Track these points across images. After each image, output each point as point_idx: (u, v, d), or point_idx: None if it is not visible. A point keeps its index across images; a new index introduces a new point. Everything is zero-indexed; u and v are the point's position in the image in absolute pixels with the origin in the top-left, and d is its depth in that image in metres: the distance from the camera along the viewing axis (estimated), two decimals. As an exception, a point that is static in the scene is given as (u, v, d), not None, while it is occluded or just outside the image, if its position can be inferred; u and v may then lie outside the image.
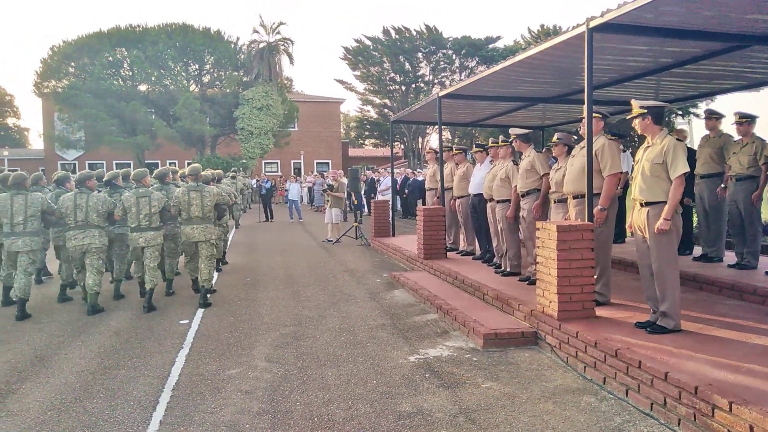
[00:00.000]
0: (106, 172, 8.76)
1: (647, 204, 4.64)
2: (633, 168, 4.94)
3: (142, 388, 4.47)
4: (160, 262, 7.66)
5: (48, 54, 34.47)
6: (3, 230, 7.04)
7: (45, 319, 6.71)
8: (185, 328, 6.18)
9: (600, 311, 5.23)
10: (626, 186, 7.24)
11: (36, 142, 65.57)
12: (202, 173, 8.09)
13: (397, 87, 42.51)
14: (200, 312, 6.88)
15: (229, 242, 12.01)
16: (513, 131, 7.09)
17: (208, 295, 7.39)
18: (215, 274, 8.98)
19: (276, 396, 4.25)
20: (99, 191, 7.47)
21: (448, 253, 9.30)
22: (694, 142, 12.94)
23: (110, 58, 34.55)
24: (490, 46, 40.52)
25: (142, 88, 35.83)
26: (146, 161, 35.83)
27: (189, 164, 9.64)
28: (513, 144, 7.13)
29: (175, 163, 39.59)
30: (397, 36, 40.92)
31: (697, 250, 7.63)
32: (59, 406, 4.15)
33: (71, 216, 7.01)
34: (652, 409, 3.76)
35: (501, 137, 7.54)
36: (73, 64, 34.62)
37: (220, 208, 7.76)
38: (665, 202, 4.53)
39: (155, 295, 7.29)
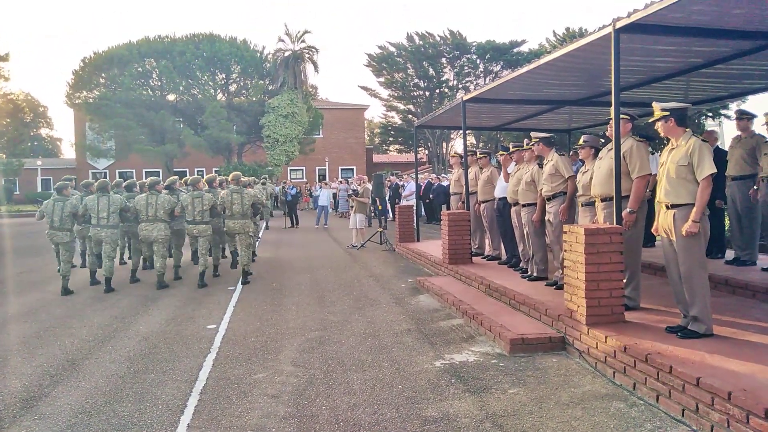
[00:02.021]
0: (138, 180, 10.81)
1: (673, 206, 4.55)
2: (658, 171, 4.85)
3: (171, 392, 4.52)
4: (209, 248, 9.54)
5: (79, 66, 35.36)
6: (91, 223, 8.90)
7: (76, 324, 6.85)
8: (213, 333, 6.25)
9: (629, 316, 5.13)
10: (655, 188, 7.11)
11: (68, 151, 67.18)
12: (243, 179, 9.94)
13: (421, 92, 42.55)
14: (228, 315, 6.96)
15: (259, 240, 13.45)
16: (534, 135, 7.03)
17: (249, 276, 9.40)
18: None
19: (302, 400, 4.26)
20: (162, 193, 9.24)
21: (473, 257, 9.24)
22: (725, 143, 12.66)
23: (139, 69, 35.30)
24: (515, 50, 40.33)
25: (171, 97, 36.51)
26: (175, 169, 36.45)
27: (216, 171, 11.83)
28: (535, 148, 7.04)
29: (202, 171, 40.19)
30: (420, 42, 40.99)
31: (730, 254, 7.45)
32: (90, 409, 4.22)
33: (143, 212, 8.93)
34: (683, 416, 3.67)
35: (525, 140, 7.47)
36: (103, 75, 35.44)
37: (255, 207, 9.55)
38: (691, 204, 4.44)
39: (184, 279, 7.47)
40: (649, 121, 4.81)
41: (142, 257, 10.43)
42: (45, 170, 47.33)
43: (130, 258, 10.46)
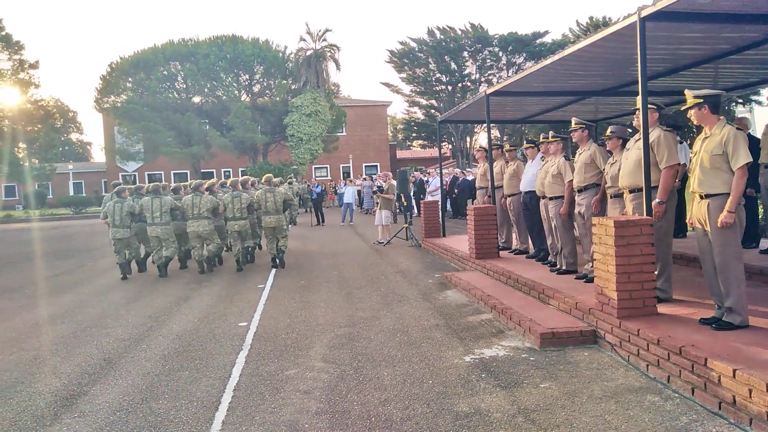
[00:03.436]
0: (168, 182, 12.76)
1: (707, 196, 4.46)
2: (691, 160, 4.76)
3: (205, 388, 4.61)
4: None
5: (106, 71, 36.06)
6: (147, 221, 10.26)
7: (111, 323, 7.01)
8: (244, 330, 6.34)
9: (662, 308, 5.06)
10: (684, 178, 6.99)
11: (98, 155, 68.51)
12: (273, 180, 11.52)
13: (444, 87, 42.39)
14: (258, 313, 7.05)
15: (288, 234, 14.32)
16: (576, 121, 6.85)
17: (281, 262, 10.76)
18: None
19: (333, 396, 4.31)
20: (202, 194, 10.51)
21: (500, 252, 9.19)
22: (757, 130, 12.37)
23: (165, 72, 35.87)
24: (538, 41, 39.93)
25: (196, 99, 37.03)
26: (202, 170, 36.99)
27: (242, 172, 13.26)
28: (573, 136, 6.89)
29: (229, 171, 40.78)
30: (442, 36, 40.82)
31: (764, 243, 7.29)
32: (127, 407, 4.32)
33: (190, 211, 10.25)
34: (720, 408, 3.61)
35: (551, 132, 7.39)
36: (130, 79, 36.10)
37: (286, 204, 10.83)
38: (726, 194, 4.35)
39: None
40: (682, 108, 4.72)
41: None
42: (76, 174, 48.42)
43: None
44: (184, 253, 11.18)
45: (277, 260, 10.66)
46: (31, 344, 6.23)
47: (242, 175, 23.75)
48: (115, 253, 10.47)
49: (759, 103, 25.41)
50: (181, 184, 11.99)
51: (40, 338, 6.49)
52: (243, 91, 37.29)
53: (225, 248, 11.91)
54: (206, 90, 36.17)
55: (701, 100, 4.50)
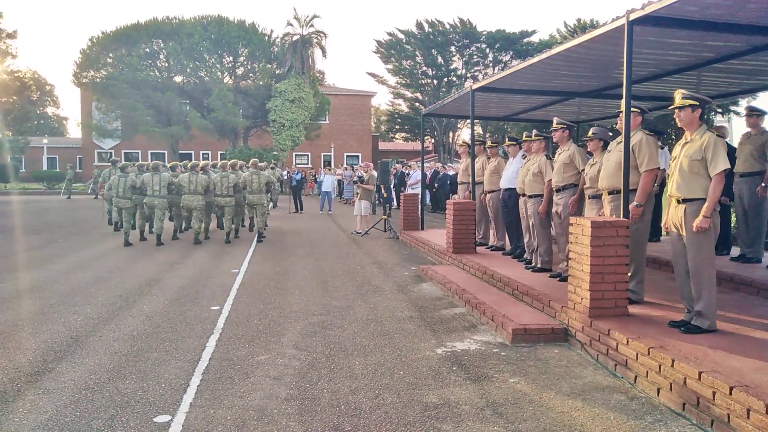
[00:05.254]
0: (144, 161, 13.95)
1: (684, 201, 4.52)
2: (670, 165, 4.82)
3: (174, 371, 4.55)
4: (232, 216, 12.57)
5: (87, 45, 35.29)
6: (147, 194, 11.65)
7: (80, 302, 6.88)
8: (216, 314, 6.28)
9: (633, 309, 5.13)
10: (663, 183, 7.08)
11: (74, 131, 67.23)
12: (260, 164, 13.29)
13: (429, 81, 42.31)
14: (232, 297, 6.99)
15: (269, 213, 14.99)
16: (558, 121, 6.89)
17: (263, 236, 12.64)
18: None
19: (303, 383, 4.29)
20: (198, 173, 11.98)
21: (477, 247, 9.24)
22: (734, 139, 12.57)
23: (147, 50, 35.20)
24: (525, 40, 40.02)
25: (178, 79, 36.43)
26: (180, 151, 36.46)
27: (221, 155, 14.82)
28: (553, 135, 6.93)
29: (208, 153, 40.26)
30: (430, 29, 40.69)
31: (735, 251, 7.43)
32: (93, 385, 4.25)
33: (186, 187, 11.62)
34: (684, 409, 3.68)
35: (534, 131, 7.42)
36: (111, 55, 35.36)
37: (269, 185, 12.79)
38: (703, 200, 4.41)
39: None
40: (671, 108, 4.74)
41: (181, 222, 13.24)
42: (51, 149, 47.42)
43: (171, 221, 13.36)
44: (177, 224, 13.06)
45: (257, 234, 12.53)
46: (-4, 318, 6.10)
47: (221, 158, 23.93)
48: (116, 221, 12.69)
49: (737, 113, 25.88)
50: (177, 163, 13.71)
51: (5, 313, 6.34)
52: (226, 73, 36.79)
53: (218, 225, 13.82)
54: (188, 70, 35.58)
55: (697, 103, 4.52)
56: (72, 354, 4.96)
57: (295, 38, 34.88)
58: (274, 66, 36.33)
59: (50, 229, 14.92)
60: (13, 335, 5.52)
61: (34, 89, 52.40)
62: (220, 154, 37.59)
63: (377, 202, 19.26)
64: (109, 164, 14.88)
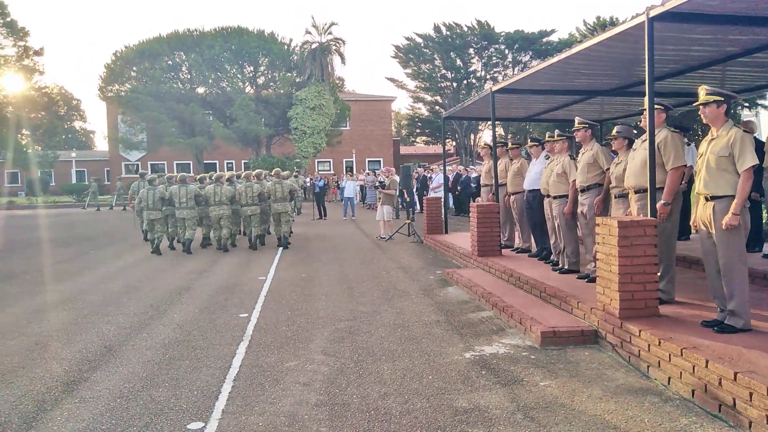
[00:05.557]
0: (171, 172, 14.51)
1: (713, 198, 4.45)
2: (697, 162, 4.74)
3: (205, 378, 4.61)
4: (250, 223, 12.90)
5: (111, 59, 35.95)
6: (176, 206, 12.14)
7: (113, 311, 7.01)
8: (245, 322, 6.34)
9: (664, 309, 5.06)
10: (690, 180, 6.97)
11: (101, 144, 68.52)
12: (282, 173, 13.65)
13: (449, 84, 42.26)
14: (260, 304, 7.06)
15: (294, 220, 15.46)
16: (580, 120, 6.82)
17: (288, 243, 12.86)
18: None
19: (333, 389, 4.31)
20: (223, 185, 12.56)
21: (502, 250, 9.18)
22: (763, 133, 12.31)
23: (169, 62, 35.76)
24: (544, 39, 39.77)
25: (200, 90, 36.93)
26: (205, 161, 36.95)
27: (245, 164, 15.34)
28: (576, 135, 6.87)
29: (232, 163, 40.73)
30: (448, 33, 40.66)
31: (767, 247, 7.27)
32: (127, 394, 4.33)
33: (212, 198, 12.20)
34: (720, 411, 3.61)
35: (557, 131, 7.37)
36: (134, 68, 35.98)
37: (292, 193, 13.05)
38: (732, 196, 4.34)
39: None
40: (695, 104, 4.67)
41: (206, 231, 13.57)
42: (79, 162, 48.39)
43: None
44: (205, 234, 13.44)
45: (282, 241, 12.66)
46: (32, 330, 6.25)
47: (245, 167, 24.21)
48: (148, 231, 12.67)
49: (765, 107, 25.33)
50: (205, 175, 14.28)
51: (42, 324, 6.50)
52: (247, 83, 37.18)
53: (240, 232, 13.99)
54: (210, 81, 36.06)
55: (722, 98, 4.44)
56: (106, 363, 5.06)
57: (314, 46, 35.12)
58: (294, 74, 36.62)
59: (80, 241, 15.24)
60: (48, 345, 5.65)
61: (62, 104, 53.60)
62: (244, 163, 37.99)
63: (401, 206, 19.29)
64: (137, 177, 15.56)
